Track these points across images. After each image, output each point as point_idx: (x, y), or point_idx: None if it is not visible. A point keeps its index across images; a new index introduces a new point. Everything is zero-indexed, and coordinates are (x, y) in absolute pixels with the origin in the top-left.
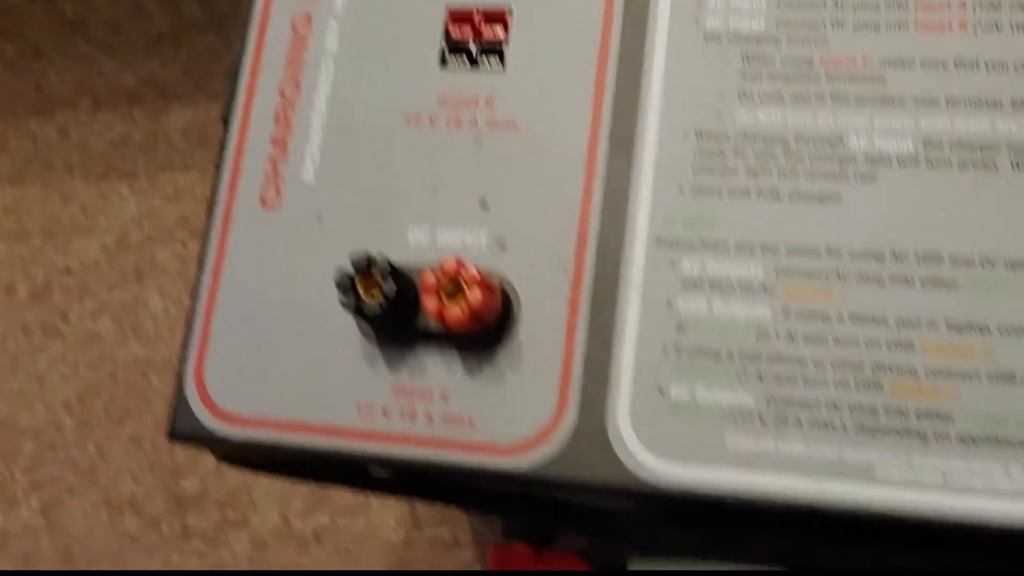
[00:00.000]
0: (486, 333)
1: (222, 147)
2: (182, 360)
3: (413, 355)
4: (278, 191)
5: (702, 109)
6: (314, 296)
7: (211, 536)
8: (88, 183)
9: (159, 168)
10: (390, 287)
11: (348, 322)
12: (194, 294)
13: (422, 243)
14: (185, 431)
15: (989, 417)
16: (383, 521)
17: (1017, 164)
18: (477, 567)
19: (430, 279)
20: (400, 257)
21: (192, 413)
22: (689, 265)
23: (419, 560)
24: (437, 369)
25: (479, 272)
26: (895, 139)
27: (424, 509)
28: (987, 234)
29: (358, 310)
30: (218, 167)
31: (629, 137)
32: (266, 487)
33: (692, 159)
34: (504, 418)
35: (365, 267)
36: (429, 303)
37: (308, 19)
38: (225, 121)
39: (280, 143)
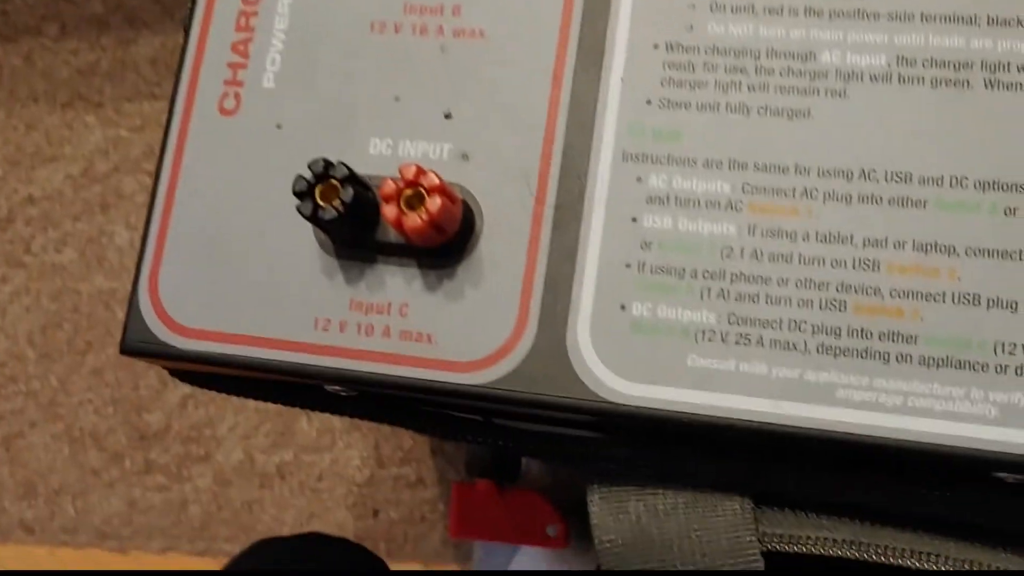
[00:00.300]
0: (446, 245)
1: (182, 53)
2: (136, 271)
3: (372, 269)
4: (237, 98)
5: (673, 21)
6: (272, 207)
7: (174, 471)
8: (53, 111)
9: (126, 97)
10: (348, 193)
11: (307, 234)
12: (150, 204)
13: (384, 153)
14: (137, 344)
15: (952, 339)
16: (347, 459)
17: (991, 83)
18: (441, 506)
19: (389, 186)
20: (361, 168)
21: (145, 325)
22: (655, 180)
23: (383, 498)
24: (396, 283)
25: (440, 180)
26: (868, 55)
27: (388, 447)
28: (958, 153)
29: (315, 217)
30: (177, 73)
31: (598, 48)
32: (230, 423)
33: (661, 72)
34: (463, 333)
35: (323, 172)
36: (388, 211)
37: None
38: (186, 29)
39: (241, 49)
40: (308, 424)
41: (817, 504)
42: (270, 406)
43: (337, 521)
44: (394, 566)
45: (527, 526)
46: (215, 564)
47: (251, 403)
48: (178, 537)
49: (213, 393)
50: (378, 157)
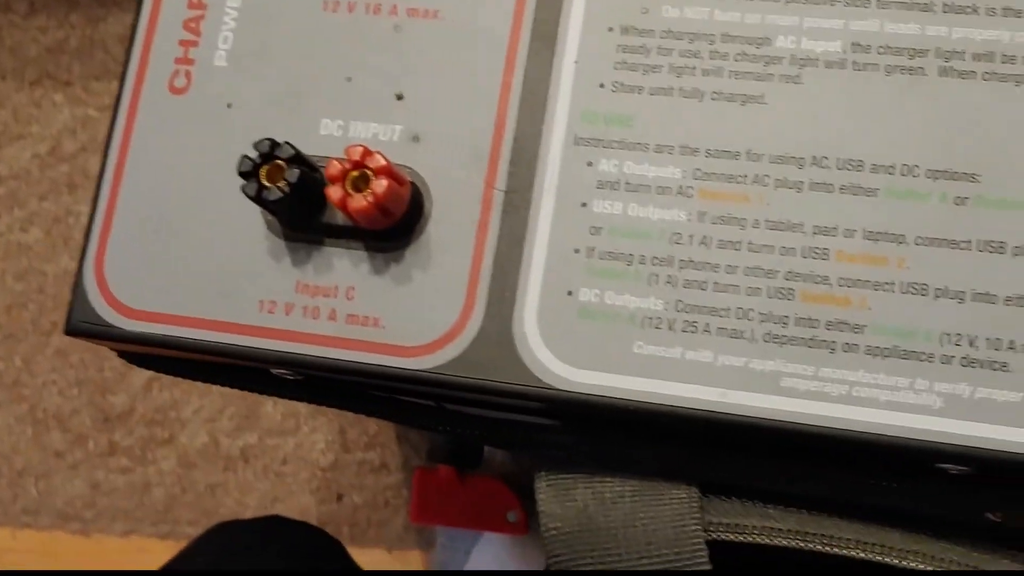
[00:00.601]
0: (394, 228)
1: (132, 30)
2: (82, 251)
3: (319, 251)
4: (188, 77)
5: (628, 3)
6: (221, 187)
7: (138, 453)
8: (21, 89)
9: (95, 76)
10: (293, 174)
11: (255, 215)
12: (97, 183)
13: (334, 134)
14: (82, 325)
15: (899, 329)
16: (312, 443)
17: (945, 71)
18: (404, 491)
19: (335, 167)
20: (311, 148)
21: (91, 306)
22: (606, 165)
23: (347, 483)
24: (343, 266)
25: (387, 162)
26: (823, 40)
27: (353, 432)
28: (910, 141)
29: (259, 197)
30: (127, 50)
31: (552, 30)
32: (195, 406)
33: (615, 55)
34: (410, 318)
35: (268, 153)
36: (333, 192)
37: None
38: (138, 5)
39: (192, 27)
40: (273, 408)
41: (765, 493)
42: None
43: (301, 505)
44: (357, 550)
45: (488, 512)
46: (178, 547)
47: (216, 386)
48: (141, 520)
49: None
50: (329, 138)
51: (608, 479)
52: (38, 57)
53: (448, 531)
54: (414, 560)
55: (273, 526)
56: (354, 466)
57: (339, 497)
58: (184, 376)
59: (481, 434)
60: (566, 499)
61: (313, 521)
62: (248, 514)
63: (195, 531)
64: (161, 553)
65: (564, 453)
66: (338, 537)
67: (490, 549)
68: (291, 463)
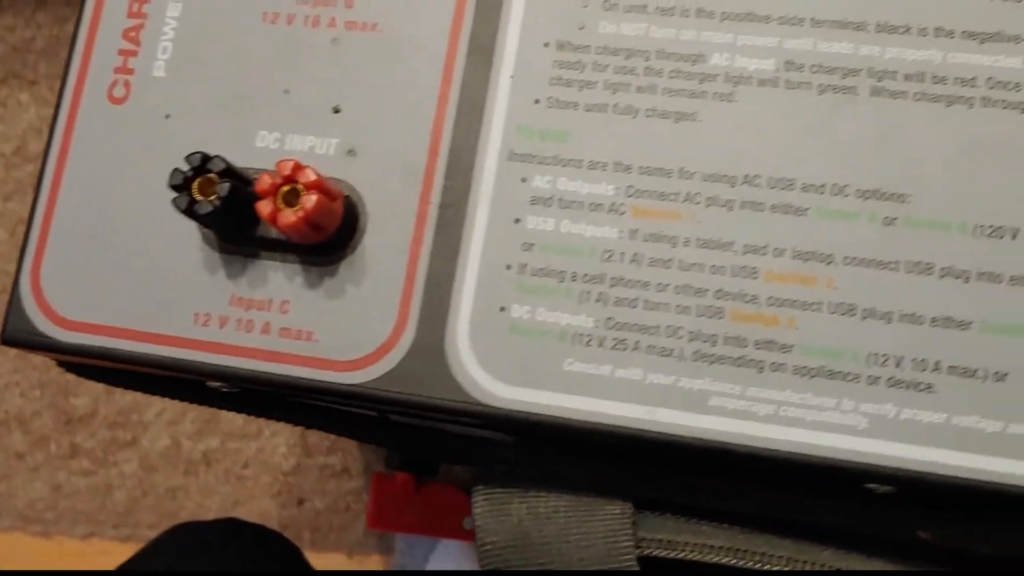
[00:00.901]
0: (329, 242)
1: (73, 38)
2: (19, 261)
3: (254, 264)
4: (127, 86)
5: (565, 19)
6: (157, 199)
7: (99, 456)
8: None
9: (61, 76)
10: (223, 188)
11: (191, 228)
12: (35, 192)
13: (271, 147)
14: (18, 335)
15: (826, 349)
16: (274, 447)
17: (876, 90)
18: (365, 496)
19: (265, 182)
20: (248, 160)
21: (26, 315)
22: (540, 181)
23: (308, 487)
24: (278, 279)
25: (318, 177)
26: (757, 58)
27: (315, 437)
28: (841, 161)
29: (190, 211)
30: (67, 59)
31: (489, 44)
32: (157, 409)
33: (551, 71)
34: (343, 332)
35: (200, 166)
36: (263, 207)
37: None
38: (80, 13)
39: (132, 36)
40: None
41: (700, 510)
42: None
43: (262, 509)
44: (318, 555)
45: (444, 519)
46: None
47: None
48: (102, 522)
49: None
50: (265, 150)
51: (543, 494)
52: (4, 56)
53: (407, 537)
54: (374, 565)
55: (230, 528)
56: (315, 471)
57: (300, 501)
58: (123, 386)
59: (420, 447)
60: (501, 514)
61: (274, 525)
62: (209, 517)
63: (155, 534)
64: (122, 555)
65: (504, 467)
66: (299, 541)
67: (448, 555)
68: (253, 467)
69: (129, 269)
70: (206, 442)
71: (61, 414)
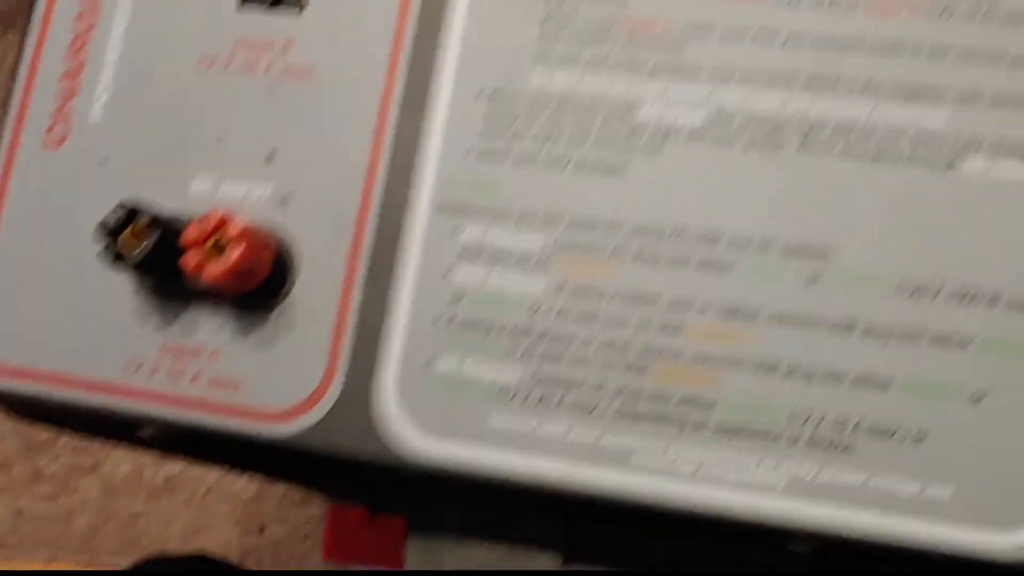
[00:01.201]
0: (259, 291)
1: (12, 79)
2: None
3: (186, 312)
4: (65, 130)
5: (497, 69)
6: (91, 245)
7: (61, 480)
8: None
9: None
10: (151, 239)
11: (124, 274)
12: None
13: (204, 194)
14: None
15: (749, 407)
16: (235, 475)
17: (804, 146)
18: (324, 524)
19: (192, 233)
20: (182, 207)
21: None
22: (470, 233)
23: (269, 515)
24: (209, 328)
25: (247, 228)
26: (686, 111)
27: None
28: (767, 217)
29: (118, 261)
30: (5, 100)
31: (422, 93)
32: None
33: (482, 121)
34: (272, 382)
35: (127, 217)
36: (190, 260)
37: None
38: (19, 55)
39: (71, 78)
40: None
41: (628, 562)
42: None
43: (223, 537)
44: None
45: (397, 552)
46: None
47: None
48: (63, 547)
49: None
50: (199, 197)
51: (476, 545)
52: None
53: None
54: None
55: (199, 564)
56: (276, 498)
57: (261, 529)
58: (56, 428)
59: (351, 494)
60: (434, 564)
61: (235, 552)
62: (171, 544)
63: (117, 561)
64: None
65: (438, 518)
66: (260, 567)
67: None
68: (214, 494)
69: (63, 314)
70: (168, 469)
71: (24, 439)
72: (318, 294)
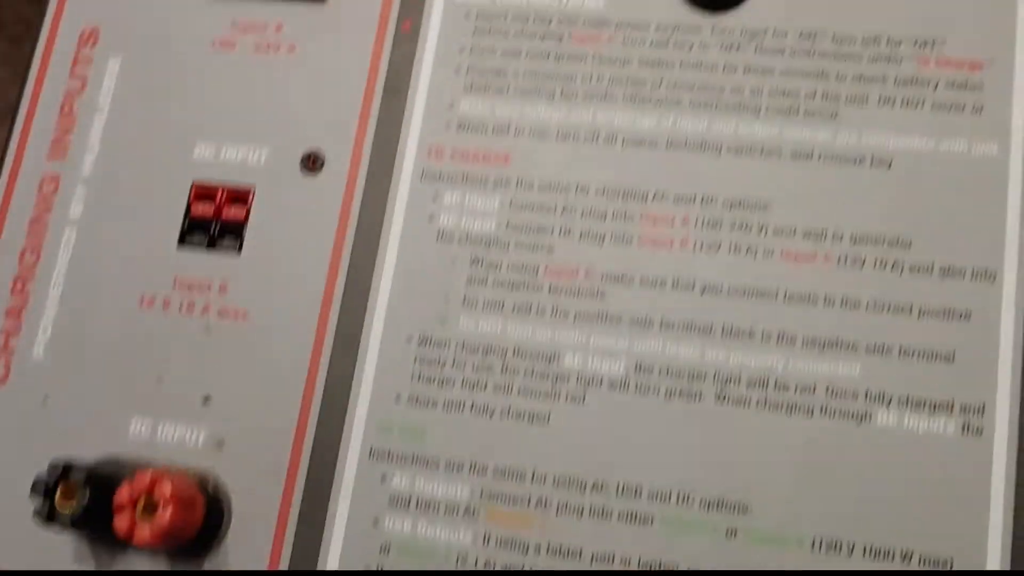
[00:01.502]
0: (189, 544)
1: None
2: None
3: (123, 559)
4: (7, 367)
5: (427, 313)
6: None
7: None
8: None
9: None
10: (84, 497)
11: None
12: None
13: (143, 436)
14: None
15: None
16: None
17: (722, 397)
18: None
19: (123, 495)
20: (121, 448)
21: None
22: (399, 481)
23: None
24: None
25: (175, 490)
26: (608, 360)
27: None
28: (686, 469)
29: (51, 520)
30: None
31: (355, 336)
32: None
33: (412, 366)
34: None
35: (59, 477)
36: (120, 521)
37: (55, 182)
38: None
39: (14, 314)
40: None
41: None
42: None
43: None
44: None
45: None
46: None
47: None
48: None
49: None
50: (137, 439)
51: None
52: None
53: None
54: None
55: None
56: None
57: None
58: None
59: None
60: None
61: None
62: None
63: None
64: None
65: None
66: None
67: None
68: None
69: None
70: None
71: None
72: (250, 543)
